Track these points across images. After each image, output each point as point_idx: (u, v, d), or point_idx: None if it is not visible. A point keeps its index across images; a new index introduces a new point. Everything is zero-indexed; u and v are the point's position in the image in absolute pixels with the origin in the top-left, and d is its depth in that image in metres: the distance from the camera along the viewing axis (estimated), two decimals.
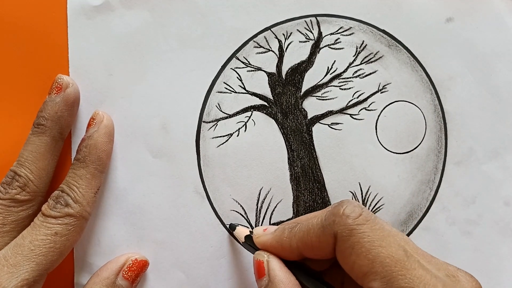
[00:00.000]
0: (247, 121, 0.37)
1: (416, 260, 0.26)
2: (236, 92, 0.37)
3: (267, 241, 0.31)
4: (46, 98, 0.35)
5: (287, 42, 0.37)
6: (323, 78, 0.37)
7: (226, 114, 0.37)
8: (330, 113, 0.37)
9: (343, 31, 0.37)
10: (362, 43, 0.37)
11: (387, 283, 0.25)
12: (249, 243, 0.33)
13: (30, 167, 0.34)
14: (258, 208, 0.37)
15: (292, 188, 0.37)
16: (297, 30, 0.37)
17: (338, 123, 0.37)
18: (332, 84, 0.37)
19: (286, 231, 0.30)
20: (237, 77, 0.37)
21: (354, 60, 0.37)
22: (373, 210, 0.37)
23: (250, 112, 0.37)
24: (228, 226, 0.37)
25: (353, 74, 0.37)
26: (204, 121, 0.37)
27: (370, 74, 0.37)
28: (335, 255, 0.28)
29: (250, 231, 0.33)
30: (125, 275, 0.35)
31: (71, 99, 0.35)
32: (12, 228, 0.33)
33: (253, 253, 0.32)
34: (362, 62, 0.37)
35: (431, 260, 0.27)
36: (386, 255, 0.26)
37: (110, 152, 0.36)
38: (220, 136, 0.37)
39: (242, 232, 0.34)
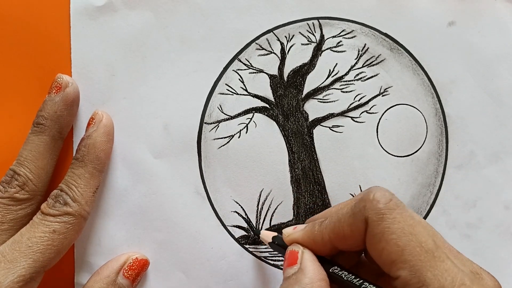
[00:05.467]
0: (249, 123, 0.37)
1: (444, 252, 0.26)
2: (237, 94, 0.37)
3: (299, 237, 0.31)
4: (46, 97, 0.35)
5: (289, 44, 0.37)
6: (325, 80, 0.37)
7: (228, 115, 0.37)
8: (331, 115, 0.37)
9: (345, 34, 0.37)
10: (364, 46, 0.37)
11: (416, 273, 0.25)
12: (278, 242, 0.33)
13: (29, 166, 0.34)
14: (259, 209, 0.37)
15: (292, 190, 0.37)
16: (299, 32, 0.37)
17: (339, 126, 0.37)
18: (333, 86, 0.37)
19: (317, 225, 0.30)
20: (239, 79, 0.37)
21: (356, 63, 0.37)
22: None
23: (252, 114, 0.37)
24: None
25: (354, 77, 0.37)
26: (205, 122, 0.37)
27: (372, 77, 0.38)
28: (365, 245, 0.28)
29: (277, 234, 0.33)
30: (126, 274, 0.35)
31: (70, 98, 0.35)
32: (11, 227, 0.33)
33: (283, 253, 0.31)
34: (364, 65, 0.37)
35: (457, 256, 0.27)
36: (416, 244, 0.26)
37: (109, 152, 0.36)
38: (222, 138, 0.37)
39: (268, 234, 0.34)
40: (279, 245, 0.33)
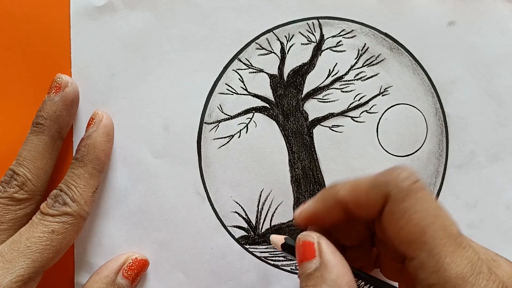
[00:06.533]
0: (249, 122, 0.37)
1: (466, 239, 0.25)
2: (237, 94, 0.37)
3: (310, 207, 0.29)
4: (45, 97, 0.35)
5: (289, 44, 0.37)
6: (325, 80, 0.37)
7: (228, 115, 0.37)
8: (331, 115, 0.37)
9: (345, 34, 0.37)
10: (364, 46, 0.37)
11: (434, 256, 0.24)
12: (290, 243, 0.30)
13: (29, 166, 0.34)
14: (259, 210, 0.37)
15: (292, 190, 0.37)
16: (299, 32, 0.37)
17: (339, 126, 0.37)
18: (333, 86, 0.37)
19: (331, 188, 0.28)
20: (239, 79, 0.37)
21: (356, 62, 0.37)
22: None
23: (252, 113, 0.37)
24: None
25: (354, 77, 0.37)
26: (205, 122, 0.37)
27: (372, 77, 0.38)
28: (377, 218, 0.26)
29: (287, 236, 0.31)
30: (125, 274, 0.35)
31: (69, 98, 0.35)
32: (10, 226, 0.33)
33: (294, 257, 0.29)
34: (364, 64, 0.37)
35: (475, 244, 0.26)
36: (440, 226, 0.24)
37: (109, 152, 0.36)
38: (221, 138, 0.37)
39: (278, 237, 0.31)
40: (291, 245, 0.30)
